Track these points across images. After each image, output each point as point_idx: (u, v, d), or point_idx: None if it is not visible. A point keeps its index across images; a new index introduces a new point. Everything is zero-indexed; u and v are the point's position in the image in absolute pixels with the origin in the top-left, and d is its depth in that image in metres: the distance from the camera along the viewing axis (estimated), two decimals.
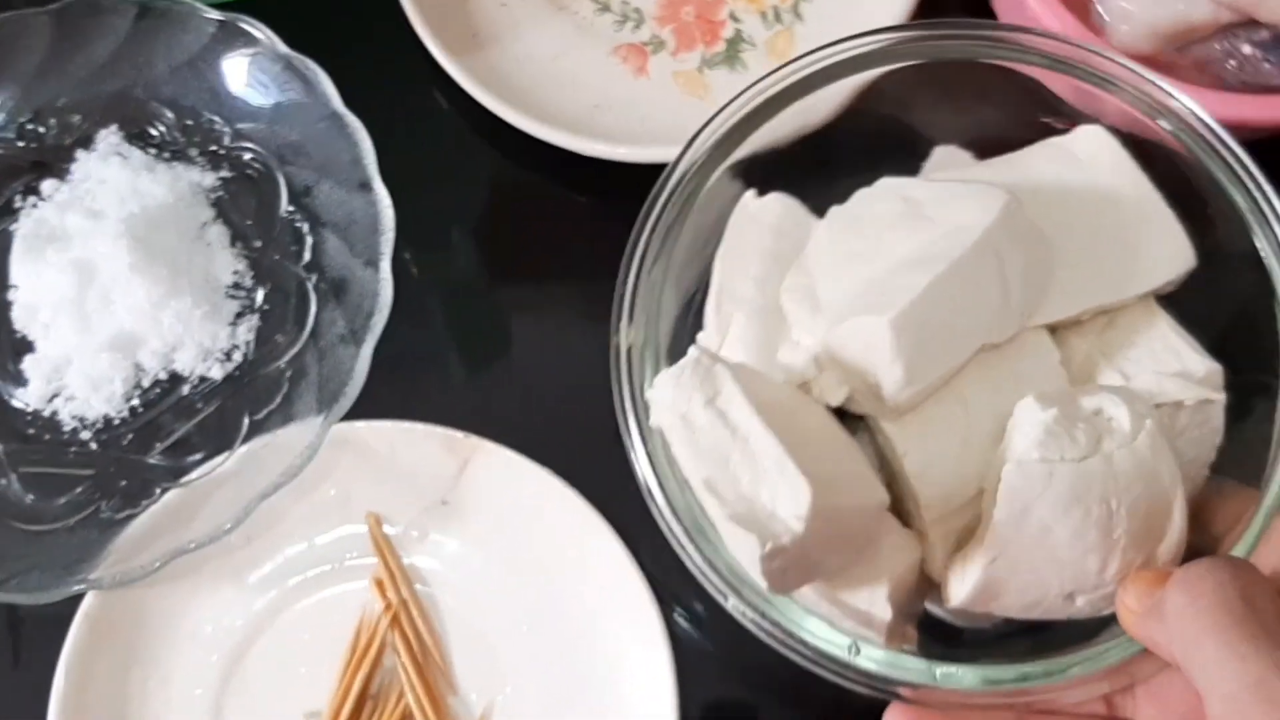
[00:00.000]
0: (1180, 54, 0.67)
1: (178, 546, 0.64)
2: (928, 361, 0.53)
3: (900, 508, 0.57)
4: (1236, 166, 0.56)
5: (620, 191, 0.61)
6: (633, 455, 0.55)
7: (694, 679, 0.64)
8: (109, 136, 0.73)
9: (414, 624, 0.67)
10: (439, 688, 0.66)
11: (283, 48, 0.70)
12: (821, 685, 0.57)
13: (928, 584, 0.57)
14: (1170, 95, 0.57)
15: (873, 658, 0.53)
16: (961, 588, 0.53)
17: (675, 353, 0.59)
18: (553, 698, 0.66)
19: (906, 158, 0.64)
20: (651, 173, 0.59)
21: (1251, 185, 0.56)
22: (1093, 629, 0.53)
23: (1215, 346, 0.58)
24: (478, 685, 0.67)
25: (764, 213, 0.61)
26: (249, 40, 0.71)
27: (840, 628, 0.54)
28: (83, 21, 0.73)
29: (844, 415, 0.57)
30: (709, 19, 0.75)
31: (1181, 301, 0.59)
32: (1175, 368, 0.57)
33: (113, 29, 0.73)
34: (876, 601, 0.54)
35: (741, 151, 0.60)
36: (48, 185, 0.72)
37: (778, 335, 0.58)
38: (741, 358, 0.58)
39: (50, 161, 0.73)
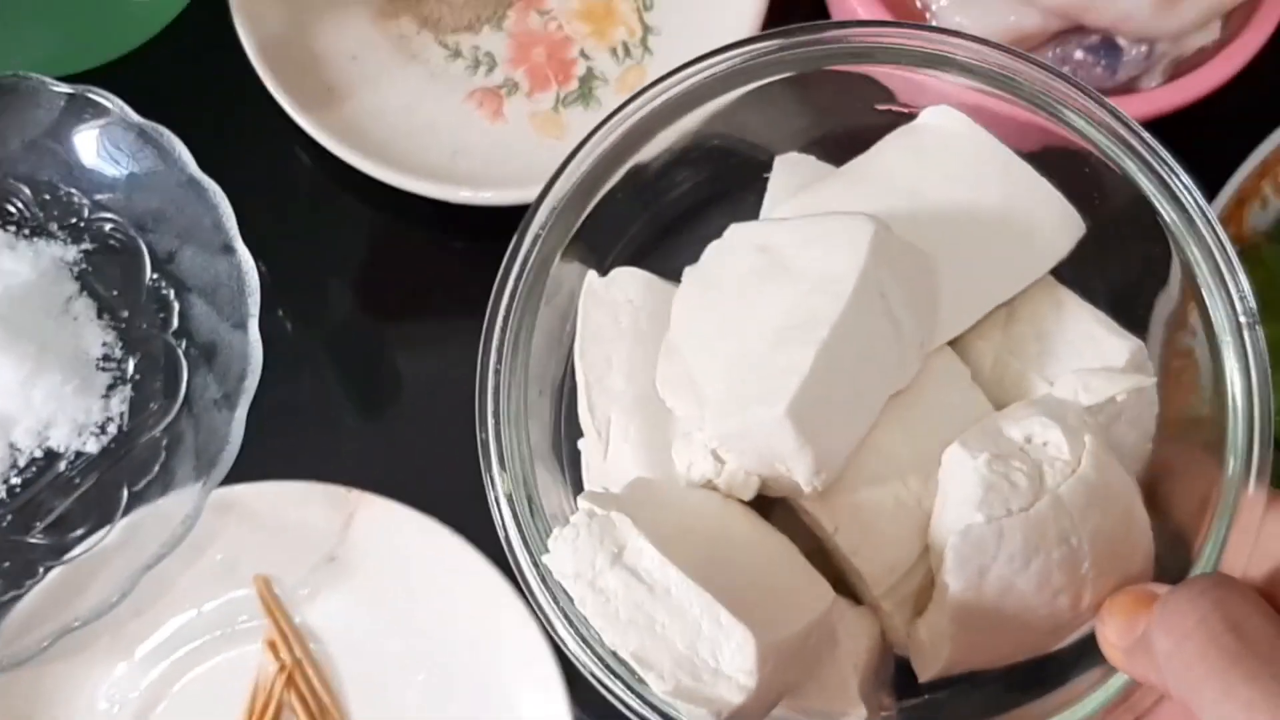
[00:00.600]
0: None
1: (65, 624, 0.64)
2: (838, 436, 0.49)
3: (845, 583, 0.53)
4: (1105, 115, 0.53)
5: (490, 232, 0.61)
6: (549, 625, 0.50)
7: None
8: None
9: (310, 682, 0.67)
10: None
11: (134, 116, 0.69)
12: None
13: (889, 648, 0.53)
14: (1019, 55, 0.54)
15: None
16: (933, 662, 0.50)
17: (560, 462, 0.57)
18: None
19: (749, 178, 0.60)
20: (518, 213, 0.59)
21: (1127, 133, 0.52)
22: (1069, 658, 0.51)
23: (1125, 313, 0.54)
24: None
25: (613, 291, 0.57)
26: (100, 111, 0.70)
27: None
28: None
29: (762, 501, 0.52)
30: (560, 58, 0.76)
31: (1080, 271, 0.55)
32: (1094, 358, 0.52)
33: None
34: (848, 698, 0.51)
35: (575, 235, 0.56)
36: None
37: (663, 428, 0.54)
38: (632, 462, 0.54)
39: None
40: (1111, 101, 0.52)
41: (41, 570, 0.66)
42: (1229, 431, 0.49)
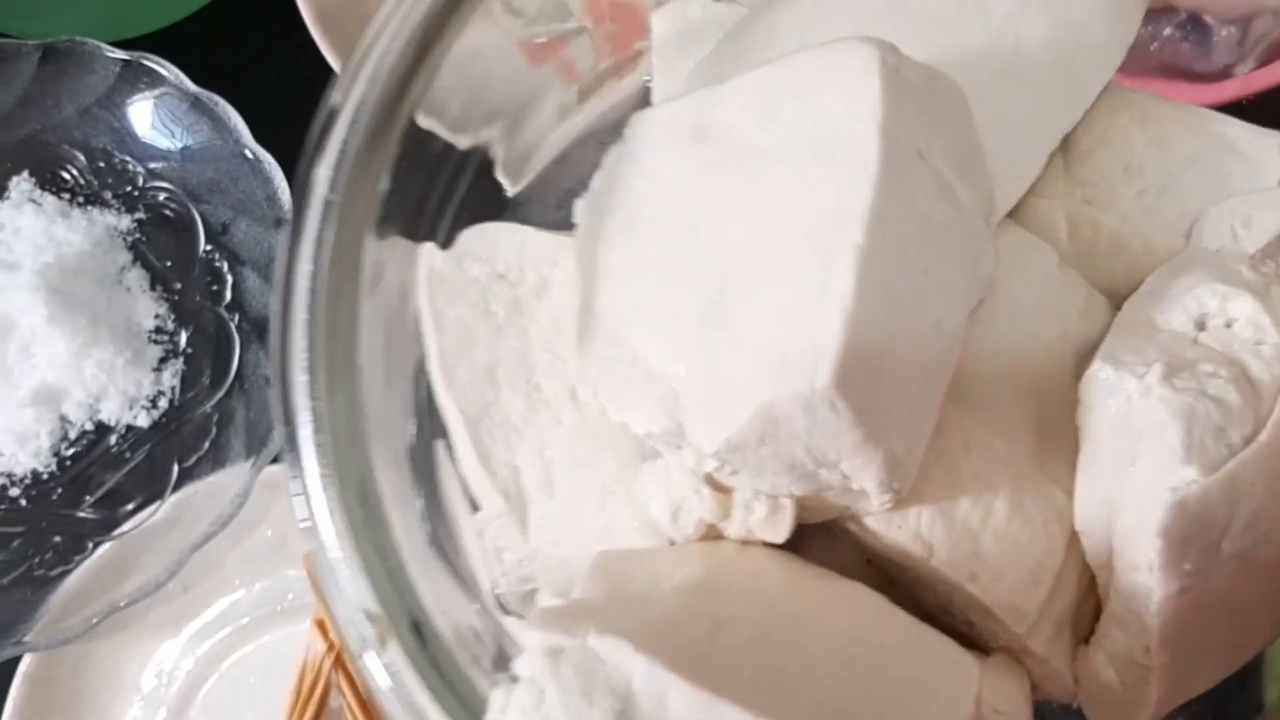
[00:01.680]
0: None
1: (112, 603, 0.63)
2: (910, 400, 0.32)
3: (959, 621, 0.36)
4: None
5: None
6: None
7: None
8: (21, 184, 0.71)
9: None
10: None
11: (190, 86, 0.68)
12: None
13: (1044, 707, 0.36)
14: None
15: None
16: (1134, 710, 0.33)
17: (442, 548, 0.37)
18: None
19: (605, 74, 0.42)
20: None
21: None
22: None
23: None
24: None
25: (467, 269, 0.38)
26: (156, 79, 0.69)
27: None
28: None
29: (798, 541, 0.34)
30: None
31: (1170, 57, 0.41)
32: (1238, 176, 0.36)
33: (17, 74, 0.71)
34: None
35: (381, 196, 0.38)
36: None
37: (610, 460, 0.35)
38: (568, 533, 0.35)
39: None
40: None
41: (91, 545, 0.66)
42: None
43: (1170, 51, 0.67)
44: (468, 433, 0.36)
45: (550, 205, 0.39)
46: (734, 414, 0.30)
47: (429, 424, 0.37)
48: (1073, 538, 0.33)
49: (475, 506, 0.37)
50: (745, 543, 0.33)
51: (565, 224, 0.36)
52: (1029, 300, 0.35)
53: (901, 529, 0.33)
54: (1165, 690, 0.32)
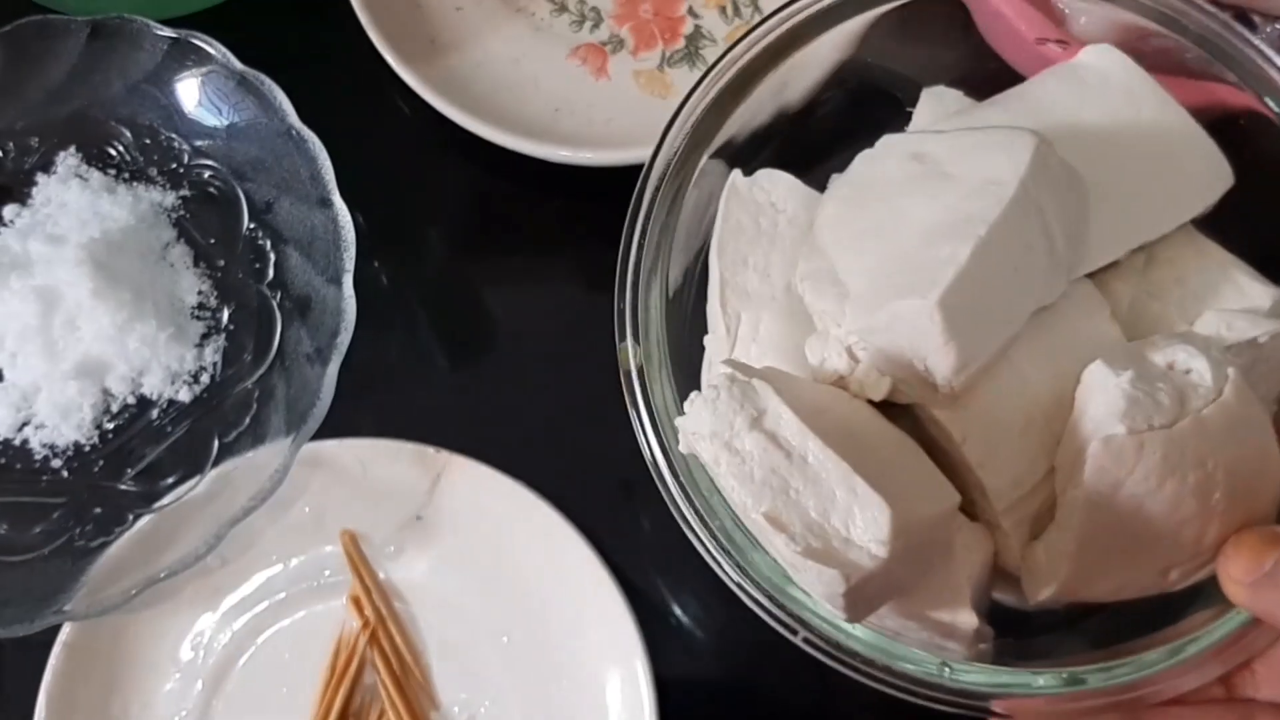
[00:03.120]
0: (1143, 41, 0.66)
1: (151, 574, 0.64)
2: (982, 338, 0.48)
3: (965, 499, 0.51)
4: (1264, 64, 0.53)
5: (590, 193, 0.61)
6: (665, 490, 0.52)
7: (674, 689, 0.64)
8: (68, 159, 0.72)
9: (392, 640, 0.67)
10: (420, 703, 0.66)
11: (237, 64, 0.69)
12: (800, 695, 0.57)
13: (996, 576, 0.53)
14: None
15: (969, 677, 0.50)
16: (1048, 582, 0.49)
17: (680, 361, 0.56)
18: (534, 709, 0.66)
19: (894, 113, 0.61)
20: (619, 174, 0.59)
21: None
22: (1178, 601, 0.50)
23: (1268, 267, 0.54)
24: (459, 699, 0.67)
25: (756, 192, 0.57)
26: (203, 57, 0.70)
27: (917, 641, 0.51)
28: (35, 43, 0.72)
29: (885, 407, 0.51)
30: (667, 16, 0.75)
31: (1223, 221, 0.55)
32: (1239, 301, 0.52)
33: (66, 50, 0.72)
34: (959, 611, 0.50)
35: (721, 137, 0.57)
36: (9, 210, 0.72)
37: (796, 329, 0.54)
38: (759, 360, 0.54)
39: (10, 185, 0.73)
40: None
41: (131, 518, 0.67)
42: None
43: None
44: (719, 286, 0.56)
45: (819, 173, 0.57)
46: (875, 310, 0.48)
47: (697, 276, 0.59)
48: (1052, 468, 0.50)
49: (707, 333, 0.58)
50: (855, 395, 0.50)
51: (822, 186, 0.56)
52: (1079, 324, 0.52)
53: (951, 419, 0.50)
54: (1071, 575, 0.49)
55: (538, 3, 0.75)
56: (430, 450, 0.67)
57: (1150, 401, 0.46)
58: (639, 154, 0.58)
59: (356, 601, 0.67)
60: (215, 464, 0.67)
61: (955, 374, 0.48)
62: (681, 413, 0.48)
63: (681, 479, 0.51)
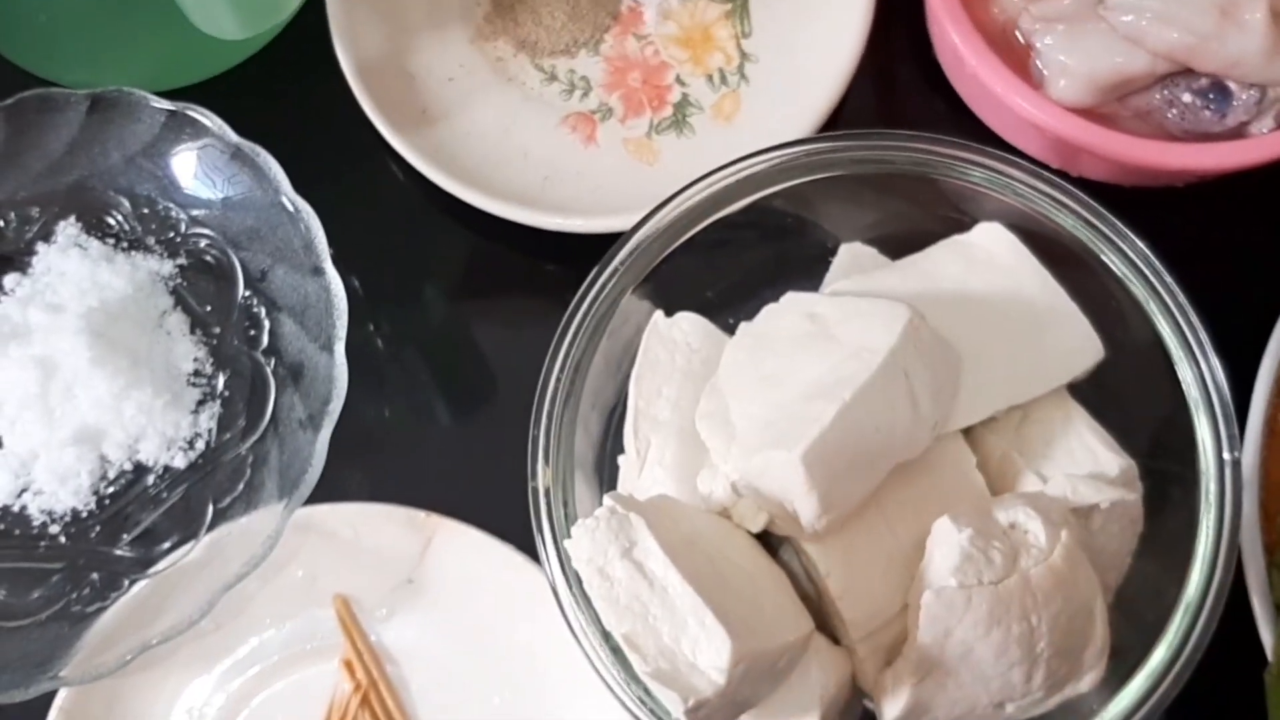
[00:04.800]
0: (1121, 104, 0.68)
1: (146, 639, 0.65)
2: (842, 489, 0.54)
3: (829, 624, 0.57)
4: (1136, 258, 0.58)
5: (581, 256, 0.62)
6: (556, 599, 0.56)
7: None
8: (68, 228, 0.73)
9: (384, 703, 0.68)
10: None
11: (232, 136, 0.70)
12: None
13: (857, 694, 0.58)
14: (1069, 191, 0.59)
15: None
16: (893, 707, 0.54)
17: (600, 474, 0.63)
18: None
19: (814, 260, 0.65)
20: (610, 238, 0.60)
21: (1151, 275, 0.58)
22: None
23: (1130, 435, 0.60)
24: None
25: (675, 332, 0.63)
26: (199, 129, 0.71)
27: None
28: (36, 116, 0.73)
29: (768, 535, 0.57)
30: (655, 84, 0.76)
31: (1096, 390, 0.61)
32: (1090, 468, 0.58)
33: (66, 121, 0.73)
34: None
35: (648, 279, 0.62)
36: (9, 279, 0.73)
37: (696, 459, 0.59)
38: (662, 483, 0.60)
39: (12, 255, 0.74)
40: (1158, 260, 0.58)
41: (127, 583, 0.68)
42: (1192, 564, 0.55)
43: (1190, 119, 0.68)
44: (634, 414, 0.61)
45: (729, 317, 0.63)
46: (753, 454, 0.54)
47: (618, 407, 0.64)
48: (905, 605, 0.55)
49: (623, 453, 0.63)
50: (736, 525, 0.56)
51: (731, 330, 0.61)
52: (943, 476, 0.58)
53: (819, 553, 0.56)
54: (912, 699, 0.53)
55: (528, 72, 0.77)
56: (421, 514, 0.68)
57: (983, 558, 0.51)
58: (628, 220, 0.60)
59: (349, 665, 0.68)
60: (209, 529, 0.68)
61: (816, 519, 0.53)
62: (569, 536, 0.54)
63: (574, 591, 0.56)
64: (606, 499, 0.53)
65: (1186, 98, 0.67)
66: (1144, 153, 0.65)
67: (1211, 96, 0.67)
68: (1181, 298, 0.57)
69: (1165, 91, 0.67)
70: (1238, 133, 0.67)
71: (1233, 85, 0.66)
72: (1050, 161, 0.68)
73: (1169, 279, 0.57)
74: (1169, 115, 0.68)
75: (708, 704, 0.50)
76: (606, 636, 0.54)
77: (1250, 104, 0.66)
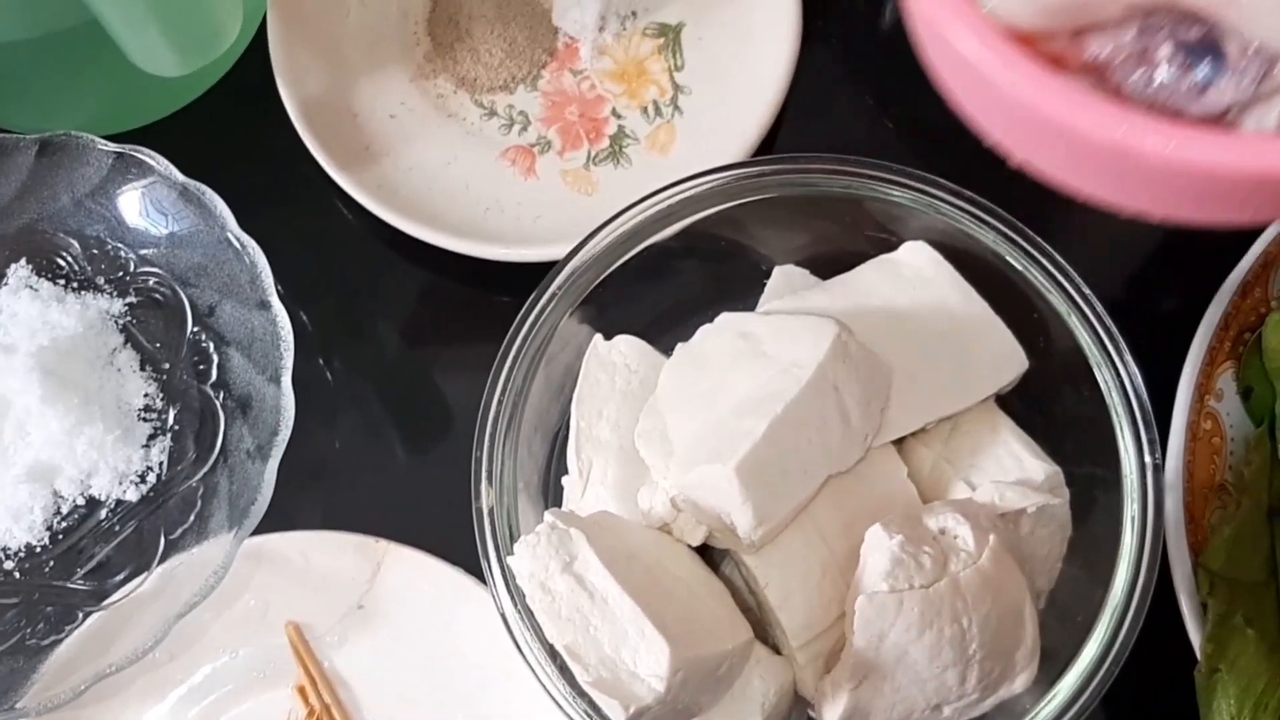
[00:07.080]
0: (1076, 44, 0.48)
1: (100, 669, 0.66)
2: (776, 500, 0.55)
3: (770, 634, 0.59)
4: (1055, 270, 0.60)
5: (526, 286, 0.63)
6: (501, 614, 0.58)
7: None
8: (19, 270, 0.75)
9: None
10: None
11: (178, 176, 0.72)
12: None
13: (797, 701, 0.59)
14: (989, 209, 0.61)
15: None
16: (833, 712, 0.55)
17: (545, 495, 0.65)
18: None
19: (749, 283, 0.67)
20: (550, 266, 0.62)
21: (1070, 286, 0.59)
22: None
23: (1056, 442, 0.62)
24: None
25: (614, 355, 0.64)
26: (145, 169, 0.73)
27: None
28: None
29: (708, 549, 0.59)
30: (592, 117, 0.78)
31: (1022, 399, 0.63)
32: (1016, 475, 0.60)
33: (15, 166, 0.75)
34: None
35: (586, 303, 0.64)
36: None
37: (637, 477, 0.61)
38: (605, 502, 0.61)
39: None
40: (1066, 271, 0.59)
41: (81, 615, 0.69)
42: (1117, 565, 0.57)
43: (1160, 85, 0.50)
44: (576, 435, 0.63)
45: (669, 339, 0.64)
46: (690, 469, 0.56)
47: (561, 429, 0.66)
48: (843, 613, 0.56)
49: (567, 473, 0.64)
50: (677, 540, 0.58)
51: (669, 351, 0.63)
52: (875, 485, 0.60)
53: (757, 564, 0.58)
54: (850, 707, 0.54)
55: (468, 108, 0.79)
56: (370, 540, 0.70)
57: (913, 563, 0.53)
58: (569, 248, 0.62)
59: (302, 691, 0.69)
60: (161, 560, 0.69)
61: (753, 530, 0.55)
62: (511, 552, 0.55)
63: (518, 607, 0.57)
64: (547, 515, 0.55)
65: (1165, 50, 0.49)
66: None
67: (1199, 54, 0.50)
68: (1099, 307, 0.59)
69: (1140, 36, 0.52)
70: (1216, 120, 0.45)
71: (1231, 50, 0.52)
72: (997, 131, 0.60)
73: (1086, 289, 0.59)
74: (1133, 75, 0.51)
75: (649, 711, 0.52)
76: (551, 650, 0.55)
77: (1246, 82, 0.48)
